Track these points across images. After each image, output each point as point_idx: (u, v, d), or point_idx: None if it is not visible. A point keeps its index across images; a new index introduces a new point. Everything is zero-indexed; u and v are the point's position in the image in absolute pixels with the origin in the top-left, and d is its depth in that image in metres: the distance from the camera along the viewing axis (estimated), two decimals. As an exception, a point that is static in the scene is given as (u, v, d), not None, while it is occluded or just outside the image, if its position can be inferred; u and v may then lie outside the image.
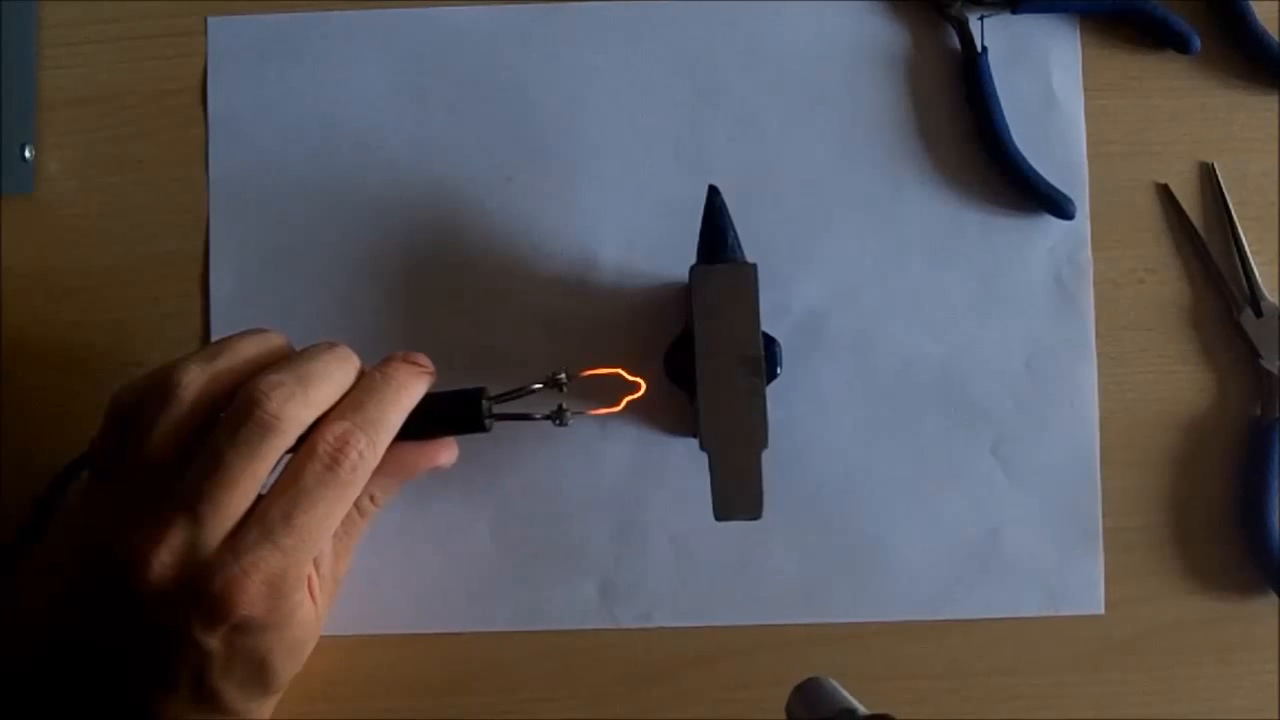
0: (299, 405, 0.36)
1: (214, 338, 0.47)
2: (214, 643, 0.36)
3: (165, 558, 0.35)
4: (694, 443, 0.40)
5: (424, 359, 0.39)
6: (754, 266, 0.41)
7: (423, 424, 0.39)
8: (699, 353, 0.40)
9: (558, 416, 0.40)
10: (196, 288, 0.47)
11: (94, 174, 0.48)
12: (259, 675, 0.38)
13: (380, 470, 0.37)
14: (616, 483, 0.46)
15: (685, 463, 0.46)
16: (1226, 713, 0.46)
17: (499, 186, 0.47)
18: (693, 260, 0.41)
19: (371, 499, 0.40)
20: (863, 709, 0.34)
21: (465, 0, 0.48)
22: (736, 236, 0.42)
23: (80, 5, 0.48)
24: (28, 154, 0.47)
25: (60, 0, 0.48)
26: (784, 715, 0.45)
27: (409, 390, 0.38)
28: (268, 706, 0.40)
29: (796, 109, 0.47)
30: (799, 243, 0.47)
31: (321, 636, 0.41)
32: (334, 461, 0.36)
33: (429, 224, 0.47)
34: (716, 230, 0.41)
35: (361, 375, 0.38)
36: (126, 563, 0.35)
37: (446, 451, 0.41)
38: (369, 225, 0.47)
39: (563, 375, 0.40)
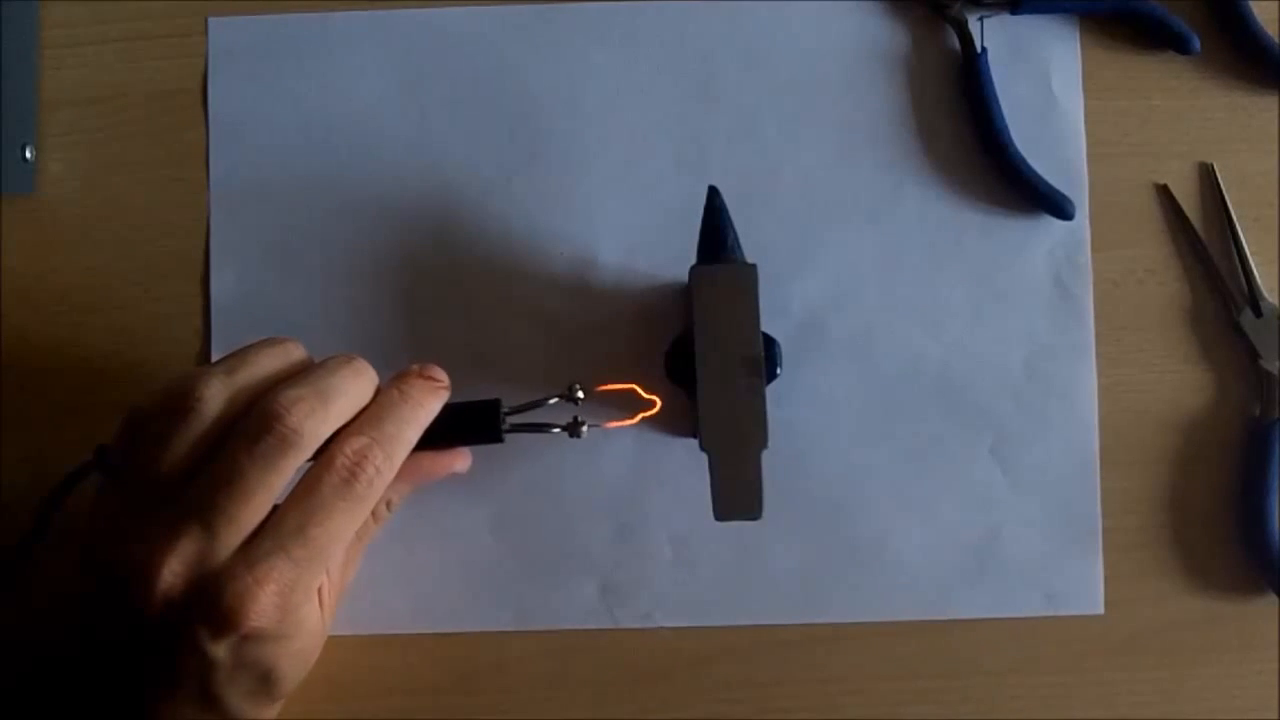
0: (319, 421, 0.36)
1: (214, 338, 0.47)
2: (220, 652, 0.36)
3: (176, 567, 0.35)
4: (694, 443, 0.40)
5: (440, 373, 0.40)
6: (754, 266, 0.41)
7: (440, 434, 0.39)
8: (699, 353, 0.40)
9: (573, 429, 0.40)
10: (196, 288, 0.47)
11: (94, 174, 0.48)
12: (264, 684, 0.38)
13: (397, 476, 0.38)
14: (616, 483, 0.46)
15: (685, 463, 0.46)
16: (1226, 713, 0.46)
17: (499, 186, 0.47)
18: (693, 260, 0.41)
19: (388, 505, 0.41)
20: None
21: (465, 0, 0.48)
22: (736, 237, 0.42)
23: (80, 5, 0.48)
24: (28, 154, 0.47)
25: (60, 0, 0.48)
26: (784, 714, 0.45)
27: (426, 407, 0.38)
28: (271, 711, 0.40)
29: (796, 109, 0.47)
30: (799, 243, 0.47)
31: (322, 637, 0.41)
32: (351, 476, 0.36)
33: (429, 224, 0.47)
34: (716, 230, 0.41)
35: (378, 391, 0.39)
36: (136, 570, 0.35)
37: (462, 459, 0.42)
38: (369, 225, 0.47)
39: (578, 388, 0.41)
